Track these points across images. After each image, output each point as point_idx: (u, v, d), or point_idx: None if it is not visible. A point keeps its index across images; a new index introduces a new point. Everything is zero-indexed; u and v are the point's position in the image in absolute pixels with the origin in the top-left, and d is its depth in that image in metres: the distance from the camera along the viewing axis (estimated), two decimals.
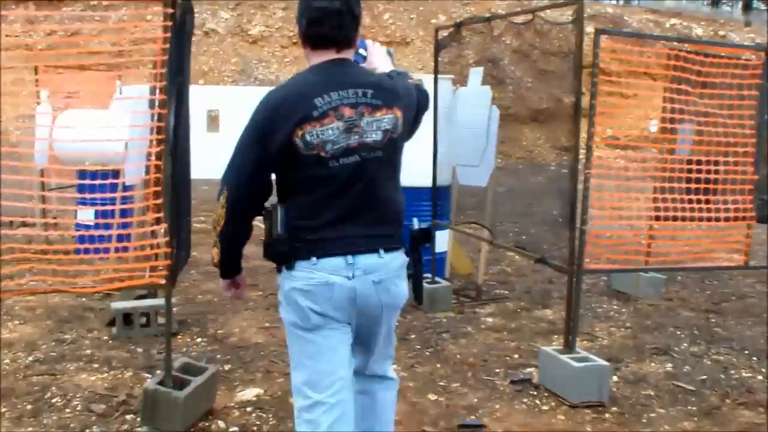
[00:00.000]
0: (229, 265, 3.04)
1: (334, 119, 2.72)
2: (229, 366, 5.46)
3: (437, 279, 7.15)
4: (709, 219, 5.45)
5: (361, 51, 3.17)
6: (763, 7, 42.16)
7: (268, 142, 2.73)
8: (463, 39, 6.61)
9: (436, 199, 7.13)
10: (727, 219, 5.37)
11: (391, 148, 2.86)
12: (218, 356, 5.66)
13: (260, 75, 26.95)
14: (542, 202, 14.27)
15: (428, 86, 6.90)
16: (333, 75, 2.80)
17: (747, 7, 40.80)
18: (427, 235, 3.27)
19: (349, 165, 2.76)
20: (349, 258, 2.81)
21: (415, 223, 3.20)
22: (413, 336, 6.30)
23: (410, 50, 28.53)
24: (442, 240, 7.55)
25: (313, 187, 2.78)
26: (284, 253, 2.83)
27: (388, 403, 3.31)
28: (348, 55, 2.88)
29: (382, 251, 2.87)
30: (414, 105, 3.04)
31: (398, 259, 2.96)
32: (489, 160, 6.75)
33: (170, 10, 3.95)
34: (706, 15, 38.87)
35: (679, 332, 6.52)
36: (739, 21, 38.54)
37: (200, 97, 11.96)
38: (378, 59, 3.21)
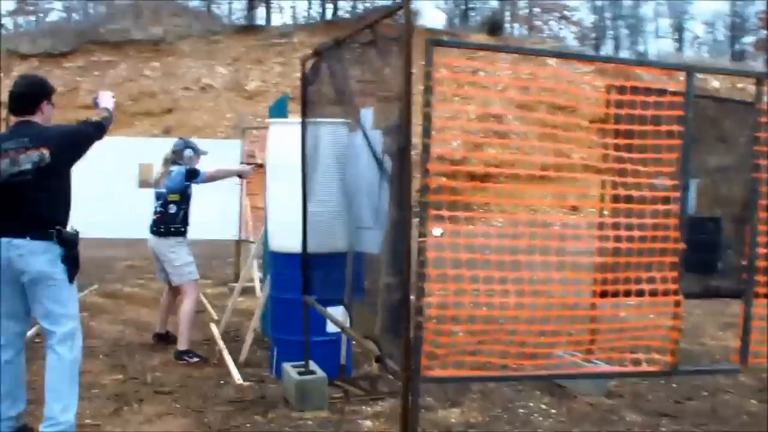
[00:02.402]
0: None
1: (5, 157, 4.44)
2: None
3: (312, 368, 5.69)
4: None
5: (96, 99, 5.15)
6: None
7: None
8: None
9: (313, 268, 5.71)
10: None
11: (40, 173, 4.45)
12: None
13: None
14: None
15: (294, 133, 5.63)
16: (15, 131, 4.61)
17: None
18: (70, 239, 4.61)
19: (13, 183, 4.43)
20: (9, 239, 4.40)
21: (71, 229, 4.59)
22: None
23: None
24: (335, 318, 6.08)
25: None
26: None
27: (51, 370, 4.49)
28: (30, 117, 4.63)
29: (28, 237, 4.40)
30: (68, 140, 4.70)
31: (41, 244, 4.42)
32: (383, 221, 5.28)
33: None
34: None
35: None
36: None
37: (131, 149, 10.66)
38: (103, 100, 5.11)
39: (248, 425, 5.19)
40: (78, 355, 4.60)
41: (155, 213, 7.02)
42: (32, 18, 44.88)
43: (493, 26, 41.09)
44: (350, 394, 5.90)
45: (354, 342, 6.62)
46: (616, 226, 4.04)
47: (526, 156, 20.56)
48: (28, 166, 4.44)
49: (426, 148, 3.39)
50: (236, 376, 6.29)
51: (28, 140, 4.48)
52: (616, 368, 3.99)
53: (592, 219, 4.62)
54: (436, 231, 5.46)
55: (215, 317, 8.92)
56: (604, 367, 4.01)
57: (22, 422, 4.70)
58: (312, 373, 5.64)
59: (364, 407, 5.65)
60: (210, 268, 13.61)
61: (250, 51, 28.66)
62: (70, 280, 4.52)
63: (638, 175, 4.08)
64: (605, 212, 5.18)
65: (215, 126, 27.12)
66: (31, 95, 4.67)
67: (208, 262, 14.17)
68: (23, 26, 43.83)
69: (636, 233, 3.97)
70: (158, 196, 7.04)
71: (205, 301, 10.00)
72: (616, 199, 4.63)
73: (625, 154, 4.05)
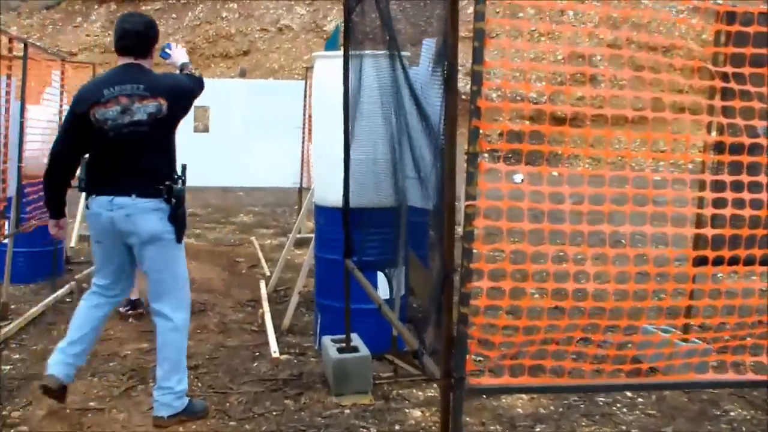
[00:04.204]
0: (53, 207, 4.26)
1: (114, 104, 3.99)
2: None
3: (355, 343, 4.87)
4: None
5: (167, 50, 4.68)
6: None
7: (76, 116, 4.05)
8: None
9: (356, 226, 4.86)
10: None
11: (156, 126, 4.04)
12: None
13: None
14: None
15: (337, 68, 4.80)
16: (123, 74, 4.11)
17: None
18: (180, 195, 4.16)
19: (122, 135, 4.00)
20: (111, 198, 4.03)
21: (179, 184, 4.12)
22: None
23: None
24: (382, 285, 5.22)
25: (99, 148, 4.08)
26: (82, 189, 4.20)
27: (164, 336, 4.20)
28: (142, 61, 4.17)
29: (134, 195, 4.01)
30: (183, 93, 4.27)
31: (149, 202, 4.03)
32: (425, 173, 4.36)
33: None
34: None
35: None
36: None
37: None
38: (177, 55, 4.65)
39: (275, 413, 4.41)
40: (189, 319, 4.37)
41: None
42: None
43: None
44: (400, 373, 5.07)
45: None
46: (720, 186, 3.02)
47: (616, 98, 19.10)
48: (143, 117, 4.01)
49: (477, 78, 2.46)
50: (273, 347, 5.52)
51: (144, 88, 4.04)
52: (710, 376, 3.05)
53: (688, 176, 3.49)
54: (517, 177, 4.54)
55: (267, 273, 8.19)
56: (689, 376, 3.04)
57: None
58: (354, 350, 4.83)
59: (414, 390, 4.82)
60: (273, 216, 12.93)
61: None
62: (178, 239, 4.17)
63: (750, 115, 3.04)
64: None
65: (292, 68, 26.33)
66: (147, 36, 4.20)
67: (272, 210, 13.52)
68: None
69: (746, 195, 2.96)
70: None
71: (260, 254, 9.28)
72: (719, 149, 3.67)
73: (735, 85, 3.03)
